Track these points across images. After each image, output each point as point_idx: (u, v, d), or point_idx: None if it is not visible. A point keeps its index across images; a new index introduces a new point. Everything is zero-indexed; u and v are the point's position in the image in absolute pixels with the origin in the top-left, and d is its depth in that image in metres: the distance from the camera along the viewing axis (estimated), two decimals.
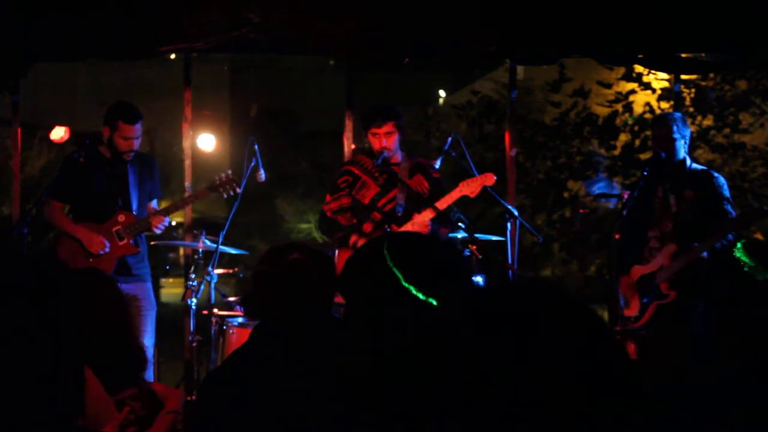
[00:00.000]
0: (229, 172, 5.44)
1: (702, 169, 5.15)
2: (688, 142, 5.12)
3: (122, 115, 5.27)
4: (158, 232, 5.34)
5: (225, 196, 5.47)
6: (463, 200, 5.03)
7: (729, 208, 4.99)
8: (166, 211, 5.39)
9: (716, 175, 5.12)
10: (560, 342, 1.08)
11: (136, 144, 5.34)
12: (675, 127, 5.03)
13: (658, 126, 5.14)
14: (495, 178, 4.97)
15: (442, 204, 4.87)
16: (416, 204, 4.95)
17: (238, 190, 5.38)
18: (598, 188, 10.37)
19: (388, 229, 4.85)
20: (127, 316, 2.88)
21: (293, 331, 2.34)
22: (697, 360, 4.82)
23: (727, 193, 5.03)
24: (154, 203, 5.56)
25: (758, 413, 1.64)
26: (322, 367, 1.74)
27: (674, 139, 5.01)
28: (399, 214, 4.93)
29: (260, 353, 2.13)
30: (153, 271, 5.63)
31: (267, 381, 1.97)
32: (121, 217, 5.28)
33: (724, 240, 4.89)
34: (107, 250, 5.22)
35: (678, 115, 5.29)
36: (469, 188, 4.91)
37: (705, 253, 4.88)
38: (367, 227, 4.93)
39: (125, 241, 5.27)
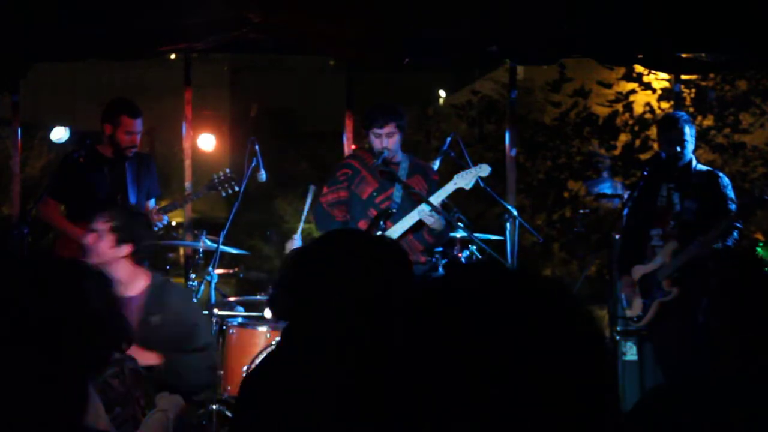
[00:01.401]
0: (227, 170, 5.45)
1: (707, 169, 5.16)
2: (693, 142, 5.13)
3: (125, 109, 5.28)
4: (155, 229, 5.34)
5: (224, 194, 5.47)
6: (463, 200, 5.02)
7: (733, 207, 4.99)
8: (165, 210, 5.39)
9: (721, 175, 5.12)
10: (561, 341, 1.08)
11: (138, 140, 5.34)
12: (687, 130, 5.04)
13: (672, 129, 5.09)
14: (490, 168, 4.91)
15: (437, 199, 4.84)
16: (413, 203, 4.93)
17: (237, 188, 5.37)
18: (601, 189, 10.36)
19: (383, 225, 4.83)
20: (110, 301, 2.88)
21: (324, 332, 2.34)
22: (698, 358, 4.81)
23: (731, 193, 5.03)
24: (152, 202, 5.56)
25: (759, 413, 1.64)
26: (346, 365, 1.74)
27: (686, 141, 5.02)
28: (393, 212, 4.91)
29: (291, 353, 2.14)
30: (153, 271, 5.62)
31: (297, 381, 1.97)
32: None
33: (712, 244, 4.88)
34: None
35: (686, 115, 5.29)
36: (463, 180, 4.87)
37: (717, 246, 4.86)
38: (362, 224, 4.92)
39: None
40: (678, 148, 5.00)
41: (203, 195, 5.62)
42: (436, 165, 5.38)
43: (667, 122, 5.22)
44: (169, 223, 5.47)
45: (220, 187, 5.41)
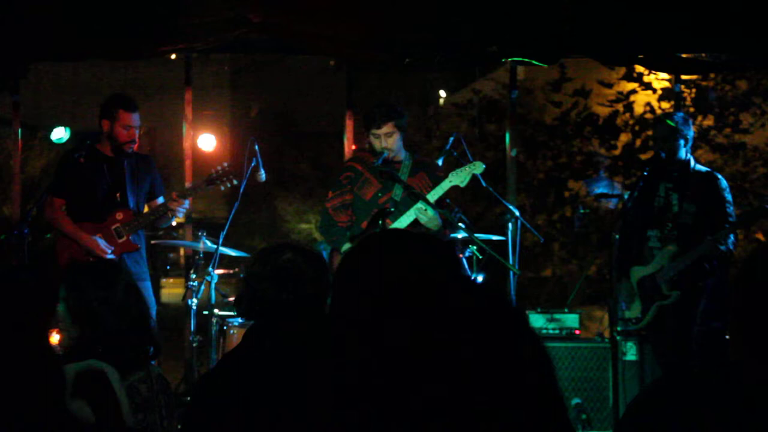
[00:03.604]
0: (225, 164, 5.38)
1: (706, 171, 5.14)
2: (690, 142, 5.11)
3: (121, 104, 5.28)
4: (180, 215, 5.32)
5: (222, 188, 5.40)
6: (464, 200, 5.01)
7: (731, 210, 4.98)
8: (184, 194, 5.32)
9: (720, 177, 5.10)
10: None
11: (137, 134, 5.33)
12: (677, 128, 5.02)
13: (660, 127, 5.12)
14: (483, 166, 4.89)
15: (434, 196, 4.82)
16: (414, 201, 4.91)
17: (236, 182, 5.33)
18: (599, 188, 10.37)
19: (381, 224, 4.83)
20: (140, 304, 2.91)
21: (287, 331, 2.34)
22: (697, 359, 4.81)
23: (729, 196, 5.02)
24: (160, 200, 5.53)
25: (758, 413, 1.64)
26: (316, 366, 1.73)
27: (676, 139, 5.00)
28: (392, 210, 4.91)
29: (254, 354, 2.13)
30: (153, 271, 5.62)
31: (261, 381, 1.97)
32: (120, 215, 5.27)
33: (724, 242, 4.88)
34: (110, 256, 5.21)
35: (680, 115, 5.27)
36: (459, 178, 4.85)
37: (724, 248, 4.85)
38: (365, 224, 4.92)
39: (125, 238, 5.26)
40: (668, 142, 4.98)
41: (202, 191, 5.54)
42: (439, 164, 5.37)
43: (657, 122, 5.26)
44: (189, 205, 5.36)
45: (218, 182, 5.34)
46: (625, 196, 5.25)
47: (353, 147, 6.59)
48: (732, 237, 4.91)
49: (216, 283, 5.30)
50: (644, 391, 1.87)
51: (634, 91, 9.85)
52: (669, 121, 5.05)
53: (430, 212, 4.73)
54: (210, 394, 2.09)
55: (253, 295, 2.51)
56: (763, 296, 1.69)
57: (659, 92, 9.63)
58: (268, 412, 1.89)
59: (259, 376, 1.99)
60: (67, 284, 2.81)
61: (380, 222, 4.83)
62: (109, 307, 2.78)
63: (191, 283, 5.43)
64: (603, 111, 10.18)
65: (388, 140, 4.90)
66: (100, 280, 2.82)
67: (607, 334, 5.43)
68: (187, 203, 5.31)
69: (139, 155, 5.51)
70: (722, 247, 4.85)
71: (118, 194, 5.31)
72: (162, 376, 2.88)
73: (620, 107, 9.99)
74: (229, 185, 5.32)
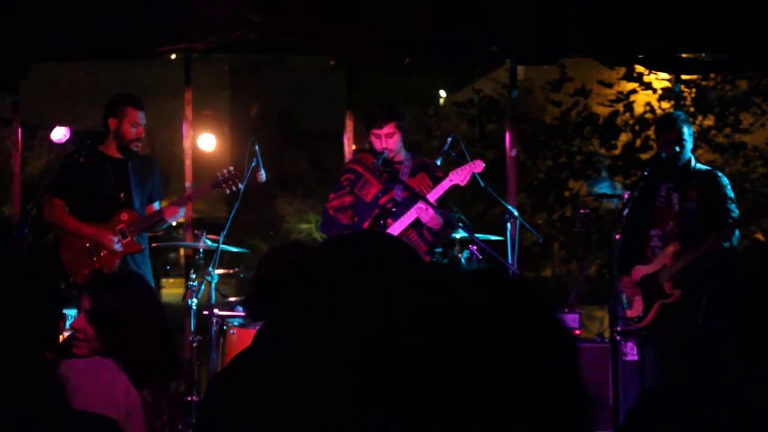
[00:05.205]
0: (231, 168, 5.42)
1: (706, 169, 5.14)
2: (692, 141, 5.11)
3: (129, 101, 5.32)
4: (172, 222, 5.40)
5: (228, 192, 5.44)
6: (464, 200, 5.01)
7: (733, 207, 4.98)
8: (179, 203, 5.39)
9: (720, 175, 5.10)
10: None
11: (143, 132, 5.37)
12: (685, 129, 5.02)
13: (670, 129, 5.07)
14: (483, 164, 4.90)
15: (434, 195, 4.83)
16: (415, 201, 4.92)
17: (240, 186, 5.36)
18: (600, 188, 10.36)
19: (383, 224, 4.83)
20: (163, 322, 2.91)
21: (299, 331, 2.33)
22: (698, 358, 4.81)
23: (731, 193, 5.02)
24: (156, 205, 5.55)
25: (760, 414, 1.64)
26: (327, 366, 1.73)
27: (685, 141, 5.00)
28: (393, 210, 4.91)
29: (265, 354, 2.13)
30: (153, 271, 5.62)
31: (272, 382, 1.96)
32: (124, 215, 5.29)
33: (728, 238, 4.87)
34: (118, 247, 5.22)
35: (684, 115, 5.28)
36: (458, 177, 4.86)
37: (727, 244, 4.83)
38: (366, 225, 4.92)
39: (129, 239, 5.27)
40: (677, 148, 4.99)
41: (207, 193, 5.63)
42: (438, 164, 5.37)
43: (665, 122, 5.21)
44: (183, 215, 5.46)
45: (224, 185, 5.39)
46: (626, 196, 5.24)
47: (353, 147, 6.59)
48: (737, 233, 4.90)
49: (216, 283, 5.30)
50: (646, 395, 1.87)
51: (634, 91, 9.85)
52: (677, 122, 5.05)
53: (431, 212, 4.74)
54: (221, 394, 2.09)
55: (264, 295, 2.50)
56: (762, 296, 1.69)
57: (659, 92, 9.63)
58: (280, 414, 1.88)
59: (271, 377, 1.98)
60: (107, 292, 2.80)
61: (381, 222, 4.83)
62: (140, 319, 2.77)
63: (191, 283, 5.43)
64: (603, 111, 10.17)
65: (389, 141, 4.91)
66: (138, 292, 2.82)
67: (607, 334, 5.42)
68: (182, 211, 5.36)
69: (143, 157, 5.56)
70: (726, 244, 4.84)
71: (122, 194, 5.32)
72: (169, 385, 2.87)
73: (620, 107, 9.99)
74: (234, 189, 5.35)
